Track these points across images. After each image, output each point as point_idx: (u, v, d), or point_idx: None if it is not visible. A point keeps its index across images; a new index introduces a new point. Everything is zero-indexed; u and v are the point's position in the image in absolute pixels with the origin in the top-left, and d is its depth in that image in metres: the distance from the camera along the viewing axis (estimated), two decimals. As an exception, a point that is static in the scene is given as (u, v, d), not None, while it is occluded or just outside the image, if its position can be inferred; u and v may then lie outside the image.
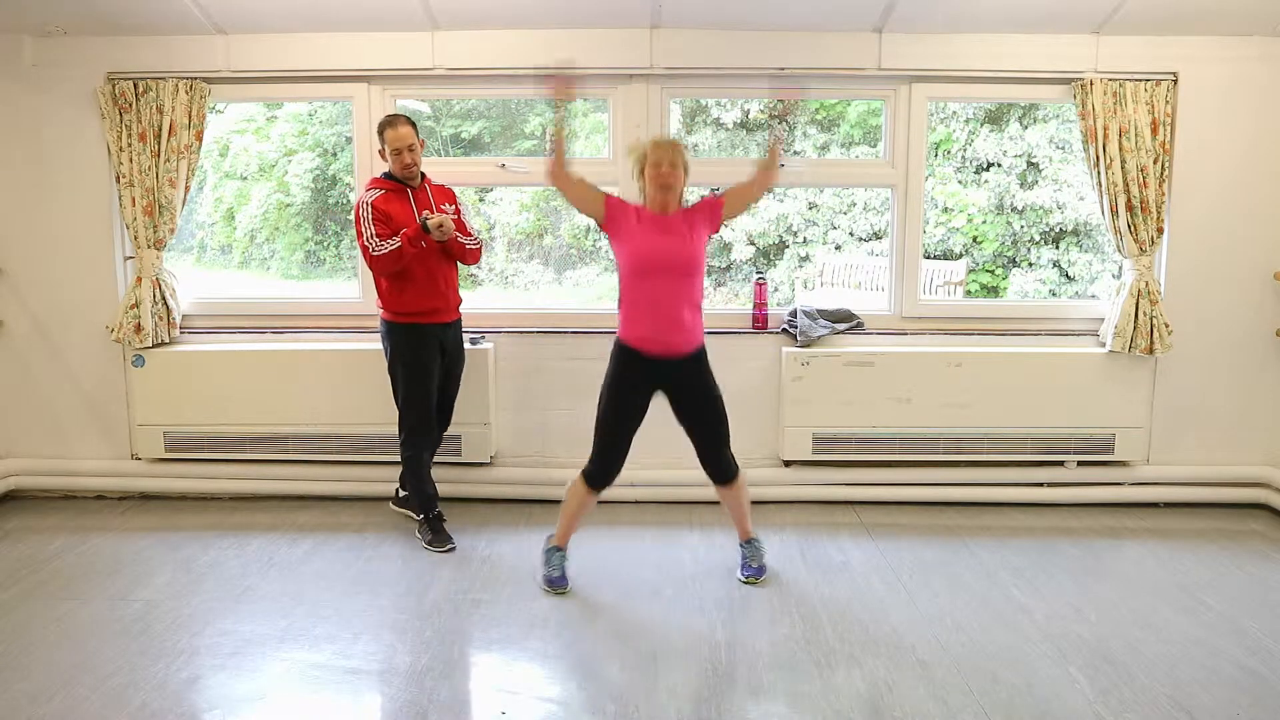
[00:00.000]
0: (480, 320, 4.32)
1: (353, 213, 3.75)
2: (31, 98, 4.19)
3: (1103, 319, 4.33)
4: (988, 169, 8.44)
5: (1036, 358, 4.26)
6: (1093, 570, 3.66)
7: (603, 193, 3.36)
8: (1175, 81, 4.12)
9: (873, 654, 2.97)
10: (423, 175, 3.77)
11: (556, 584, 3.42)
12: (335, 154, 9.70)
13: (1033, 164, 8.30)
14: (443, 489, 3.98)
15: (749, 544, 3.56)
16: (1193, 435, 4.35)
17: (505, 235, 9.56)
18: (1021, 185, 8.32)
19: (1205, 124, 4.15)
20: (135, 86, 4.12)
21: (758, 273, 5.75)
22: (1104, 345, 4.27)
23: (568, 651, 3.02)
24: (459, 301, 3.88)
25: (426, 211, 3.64)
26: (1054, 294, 8.18)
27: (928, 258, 7.87)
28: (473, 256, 3.81)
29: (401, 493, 4.05)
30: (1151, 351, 4.16)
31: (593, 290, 9.24)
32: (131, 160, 4.15)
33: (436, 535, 3.82)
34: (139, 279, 4.20)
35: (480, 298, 8.00)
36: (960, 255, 8.33)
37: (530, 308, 4.98)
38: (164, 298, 4.26)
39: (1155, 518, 4.21)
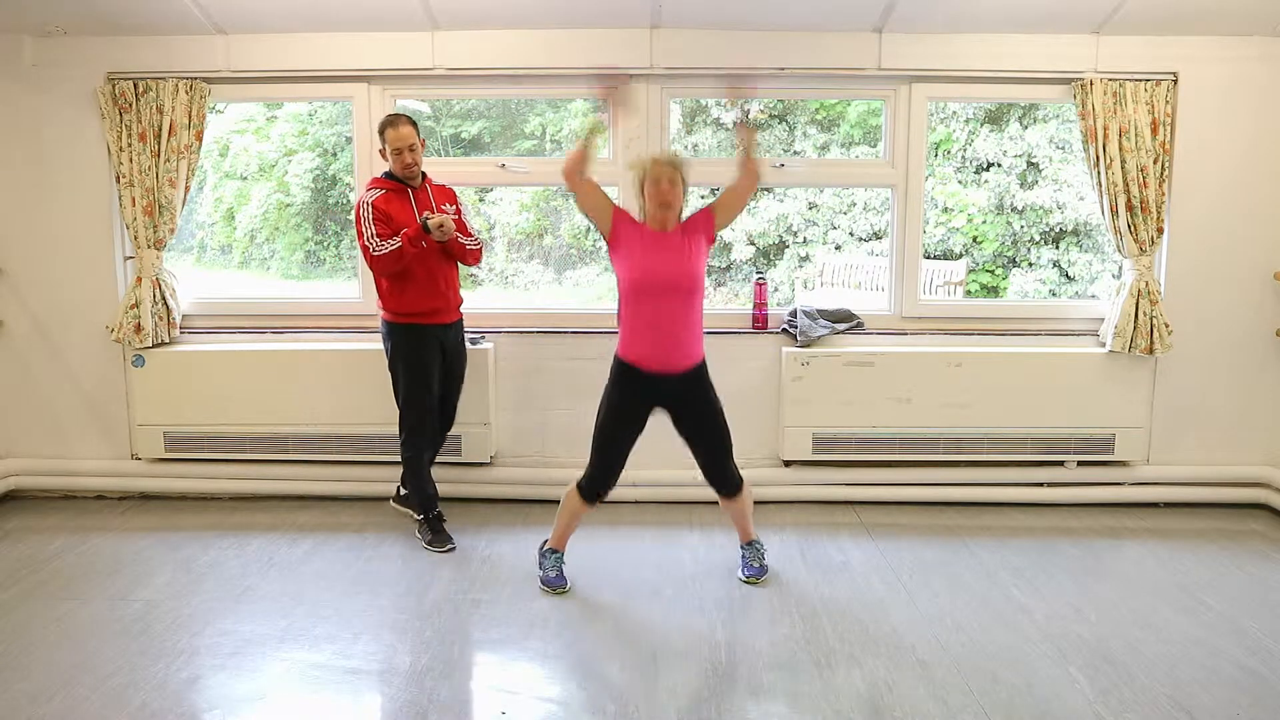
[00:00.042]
0: (480, 320, 4.32)
1: (353, 213, 3.75)
2: (31, 98, 4.19)
3: (1103, 319, 4.33)
4: (988, 169, 8.44)
5: (1036, 358, 4.26)
6: (1093, 570, 3.66)
7: (613, 203, 3.34)
8: (1175, 81, 4.12)
9: (873, 654, 2.97)
10: (423, 175, 3.77)
11: (554, 584, 3.42)
12: (335, 154, 9.70)
13: (1033, 164, 8.30)
14: (443, 489, 3.98)
15: (749, 545, 3.56)
16: (1193, 435, 4.35)
17: (505, 235, 9.56)
18: (1021, 185, 8.32)
19: (1205, 124, 4.14)
20: (135, 86, 4.12)
21: (758, 273, 5.76)
22: (1104, 345, 4.27)
23: (568, 651, 3.02)
24: (460, 302, 3.88)
25: (427, 212, 3.63)
26: (1054, 294, 8.17)
27: (928, 258, 7.87)
28: (473, 257, 3.81)
29: (402, 491, 4.05)
30: (1151, 351, 4.16)
31: (593, 290, 9.24)
32: (131, 160, 4.15)
33: (436, 535, 3.82)
34: (139, 279, 4.20)
35: (480, 298, 8.00)
36: (960, 255, 8.33)
37: (530, 308, 4.99)
38: (164, 298, 4.26)
39: (1155, 518, 4.21)
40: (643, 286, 3.24)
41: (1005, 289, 8.41)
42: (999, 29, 4.09)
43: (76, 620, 3.17)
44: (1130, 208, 4.12)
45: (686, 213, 3.38)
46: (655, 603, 3.34)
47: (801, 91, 5.89)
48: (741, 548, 3.57)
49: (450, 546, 3.79)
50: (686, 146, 8.82)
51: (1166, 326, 4.16)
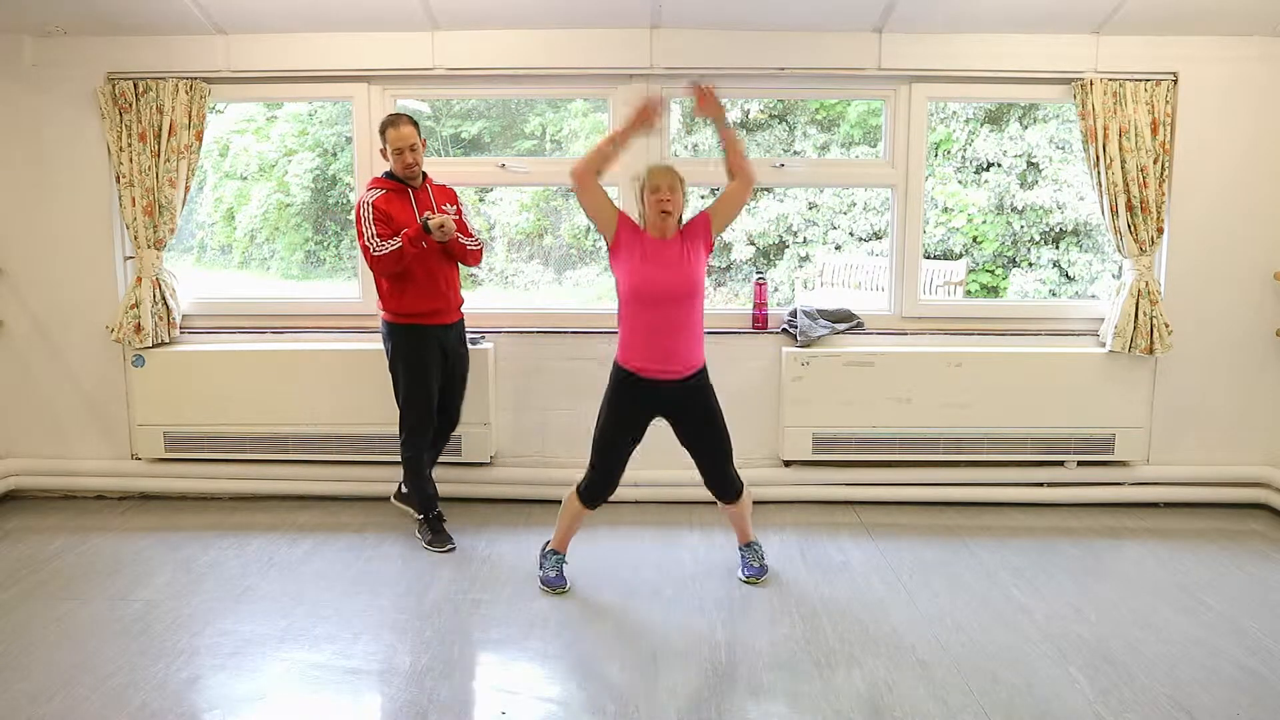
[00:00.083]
0: (480, 320, 4.32)
1: (353, 213, 3.75)
2: (31, 98, 4.19)
3: (1103, 319, 4.33)
4: (988, 169, 8.44)
5: (1036, 358, 4.26)
6: (1093, 570, 3.66)
7: (617, 209, 3.34)
8: (1175, 81, 4.12)
9: (873, 654, 2.97)
10: (424, 175, 3.77)
11: (554, 584, 3.42)
12: (335, 154, 9.70)
13: (1033, 164, 8.30)
14: (443, 489, 3.98)
15: (749, 546, 3.56)
16: (1193, 435, 4.35)
17: (505, 235, 9.55)
18: (1021, 185, 8.32)
19: (1205, 124, 4.15)
20: (135, 86, 4.12)
21: (758, 273, 5.75)
22: (1104, 345, 4.27)
23: (568, 651, 3.02)
24: (460, 302, 3.87)
25: (428, 212, 3.63)
26: (1054, 294, 8.18)
27: (928, 258, 7.87)
28: (474, 258, 3.81)
29: (404, 489, 4.05)
30: (1151, 351, 4.16)
31: (593, 290, 9.24)
32: (131, 160, 4.15)
33: (436, 535, 3.82)
34: (139, 279, 4.20)
35: (480, 298, 8.00)
36: (960, 255, 8.33)
37: (530, 308, 4.99)
38: (164, 298, 4.26)
39: (1155, 518, 4.21)
40: (643, 294, 3.23)
41: (1005, 289, 8.41)
42: (999, 29, 4.09)
43: (76, 620, 3.17)
44: (1130, 208, 4.12)
45: (686, 215, 3.38)
46: (655, 603, 3.34)
47: (801, 91, 5.89)
48: (740, 549, 3.58)
49: (450, 547, 3.79)
50: (686, 146, 8.82)
51: (1166, 326, 4.16)
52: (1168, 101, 4.11)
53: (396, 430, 3.81)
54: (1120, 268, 4.28)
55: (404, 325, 3.71)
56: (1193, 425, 4.34)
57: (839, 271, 8.13)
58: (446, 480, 4.10)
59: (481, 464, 4.34)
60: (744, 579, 3.50)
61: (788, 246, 8.86)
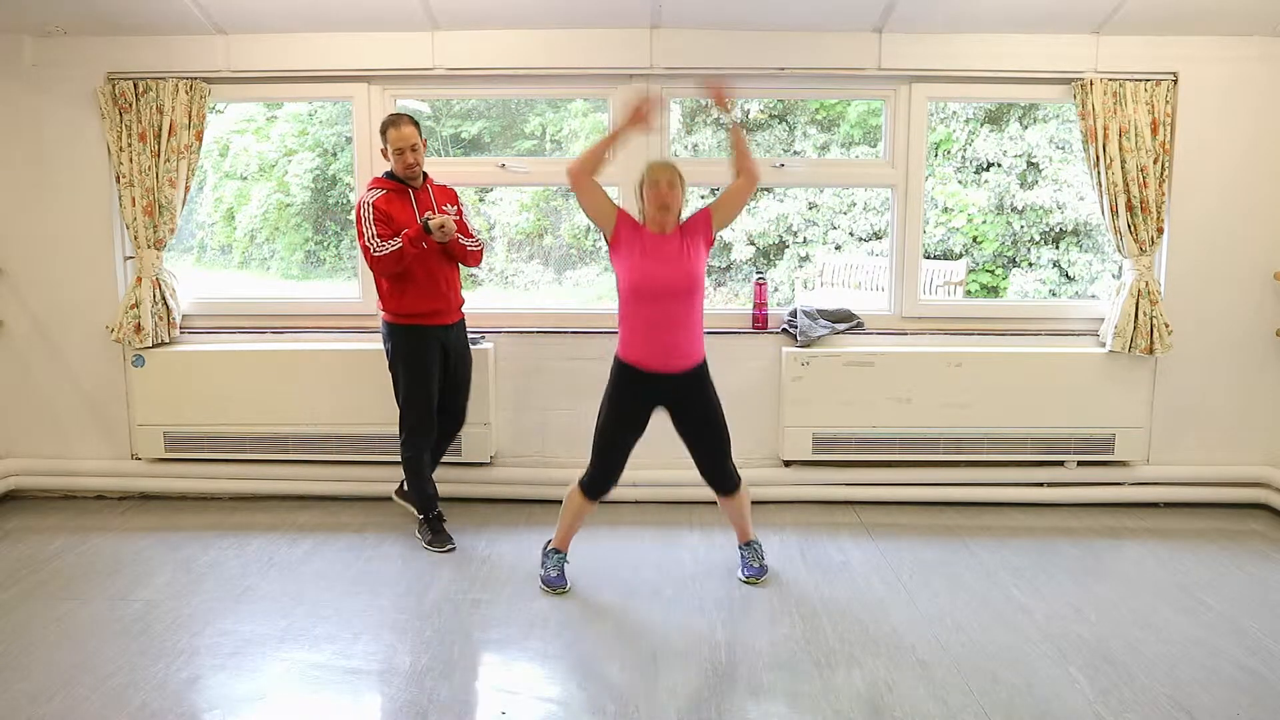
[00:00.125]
0: (480, 320, 4.32)
1: (353, 213, 3.75)
2: (31, 98, 4.19)
3: (1103, 319, 4.33)
4: (988, 169, 8.44)
5: (1036, 358, 4.26)
6: (1093, 570, 3.66)
7: (616, 205, 3.35)
8: (1175, 81, 4.12)
9: (873, 654, 2.97)
10: (425, 175, 3.77)
11: (554, 584, 3.42)
12: (335, 154, 9.70)
13: (1033, 164, 8.30)
14: (443, 489, 3.98)
15: (748, 546, 3.56)
16: (1193, 435, 4.35)
17: (505, 235, 9.56)
18: (1021, 185, 8.32)
19: (1205, 124, 4.15)
20: (135, 86, 4.12)
21: (758, 273, 5.75)
22: (1104, 345, 4.27)
23: (568, 651, 3.02)
24: (461, 303, 3.87)
25: (429, 212, 3.63)
26: (1054, 294, 8.17)
27: (928, 258, 7.87)
28: (474, 258, 3.81)
29: (405, 485, 4.04)
30: (1151, 351, 4.16)
31: (593, 290, 9.24)
32: (131, 160, 4.15)
33: (436, 535, 3.82)
34: (139, 279, 4.20)
35: (480, 298, 8.00)
36: (960, 255, 8.33)
37: (530, 308, 4.99)
38: (164, 298, 4.26)
39: (1155, 518, 4.21)
40: (642, 289, 3.24)
41: (1005, 289, 8.41)
42: (999, 29, 4.09)
43: (76, 620, 3.17)
44: (1130, 208, 4.12)
45: (686, 213, 3.38)
46: (655, 603, 3.34)
47: (801, 91, 5.88)
48: (740, 548, 3.57)
49: (450, 547, 3.79)
50: (686, 146, 8.82)
51: (1166, 326, 4.16)
52: (1168, 101, 4.11)
53: (396, 430, 3.81)
54: (1120, 268, 4.28)
55: (404, 326, 3.71)
56: (1193, 425, 4.34)
57: (839, 271, 8.13)
58: (446, 480, 4.10)
59: (481, 464, 4.34)
60: (744, 579, 3.50)
61: (788, 246, 8.86)
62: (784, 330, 4.37)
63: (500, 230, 9.51)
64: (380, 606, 3.30)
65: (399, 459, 3.88)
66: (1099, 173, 4.13)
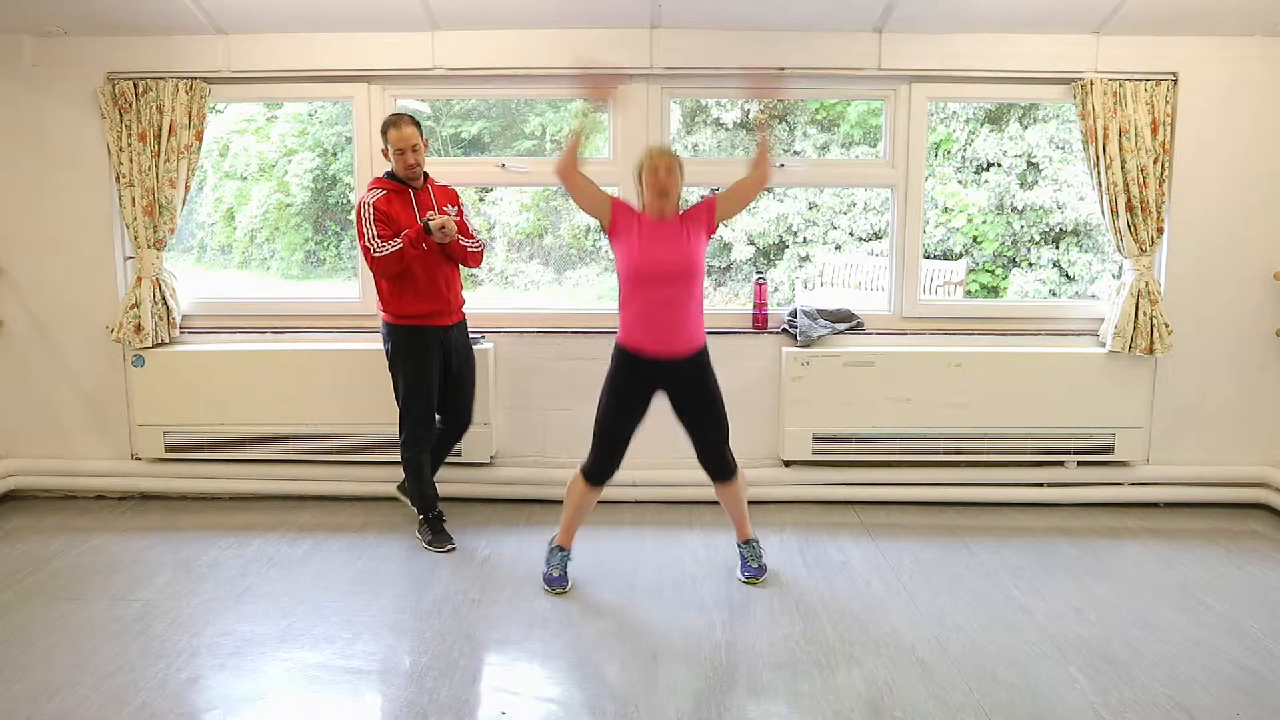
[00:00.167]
0: (480, 320, 4.32)
1: (353, 213, 3.75)
2: (31, 98, 4.19)
3: (1103, 319, 4.33)
4: (988, 169, 8.44)
5: (1036, 358, 4.26)
6: (1093, 570, 3.66)
7: (608, 195, 3.36)
8: (1175, 81, 4.12)
9: (873, 654, 2.97)
10: (425, 176, 3.77)
11: (556, 584, 3.42)
12: (335, 154, 9.70)
13: (1033, 164, 8.31)
14: (443, 489, 3.98)
15: (748, 544, 3.56)
16: (1193, 435, 4.35)
17: (505, 235, 9.56)
18: (1021, 185, 8.32)
19: (1205, 124, 4.15)
20: (135, 86, 4.12)
21: (758, 273, 5.75)
22: (1104, 345, 4.27)
23: (568, 651, 3.02)
24: (461, 303, 3.87)
25: (430, 213, 3.63)
26: (1054, 294, 8.18)
27: (928, 258, 7.87)
28: (474, 259, 3.81)
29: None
30: (1151, 351, 4.16)
31: (593, 290, 9.24)
32: (131, 160, 4.15)
33: (436, 535, 3.82)
34: (139, 279, 4.20)
35: (480, 298, 8.01)
36: (960, 255, 8.34)
37: (530, 308, 4.99)
38: (164, 298, 4.26)
39: (1155, 518, 4.21)
40: (641, 274, 3.25)
41: (1005, 289, 8.41)
42: (999, 29, 4.09)
43: (76, 620, 3.17)
44: (1130, 208, 4.12)
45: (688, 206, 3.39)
46: (655, 603, 3.34)
47: (801, 91, 5.86)
48: (739, 546, 3.57)
49: (450, 547, 3.79)
50: (686, 146, 8.82)
51: (1166, 326, 4.16)
52: (1168, 101, 4.11)
53: (396, 430, 3.81)
54: (1120, 268, 4.28)
55: (404, 326, 3.71)
56: (1193, 425, 4.34)
57: (839, 271, 8.13)
58: (446, 480, 4.09)
59: (481, 464, 4.34)
60: (743, 579, 3.49)
61: (788, 246, 8.87)
62: (784, 330, 4.37)
63: (500, 230, 9.52)
64: (380, 606, 3.30)
65: (399, 459, 3.89)
66: (1099, 173, 4.13)
